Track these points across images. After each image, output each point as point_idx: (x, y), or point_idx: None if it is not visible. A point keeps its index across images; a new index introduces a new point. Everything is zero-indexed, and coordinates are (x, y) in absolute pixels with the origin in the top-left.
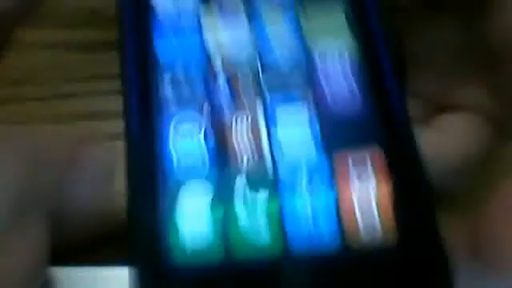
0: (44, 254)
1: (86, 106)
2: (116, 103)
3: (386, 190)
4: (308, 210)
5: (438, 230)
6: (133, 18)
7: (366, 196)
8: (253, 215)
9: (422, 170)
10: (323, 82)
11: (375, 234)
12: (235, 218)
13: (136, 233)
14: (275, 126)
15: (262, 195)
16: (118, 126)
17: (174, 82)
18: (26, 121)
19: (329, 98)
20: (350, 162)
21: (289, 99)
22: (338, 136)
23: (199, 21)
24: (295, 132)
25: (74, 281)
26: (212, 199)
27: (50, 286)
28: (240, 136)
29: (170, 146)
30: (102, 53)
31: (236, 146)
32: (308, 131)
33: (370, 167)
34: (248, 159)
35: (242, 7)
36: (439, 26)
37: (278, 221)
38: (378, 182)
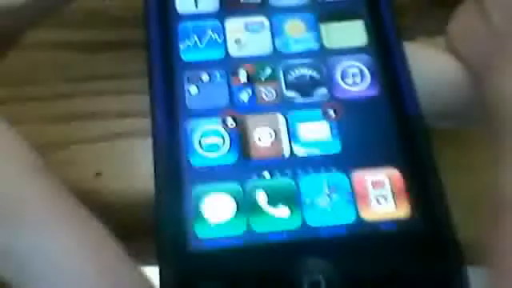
0: None
1: (85, 106)
2: (116, 103)
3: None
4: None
5: (448, 211)
6: (158, 20)
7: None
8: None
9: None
10: (343, 96)
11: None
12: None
13: (163, 217)
14: (297, 140)
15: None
16: (118, 126)
17: (199, 84)
18: (26, 121)
19: (349, 111)
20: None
21: (310, 114)
22: (358, 153)
23: (223, 25)
24: (317, 147)
25: None
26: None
27: None
28: (263, 150)
29: (196, 153)
30: (102, 53)
31: (259, 160)
32: (329, 147)
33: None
34: (270, 173)
35: (264, 15)
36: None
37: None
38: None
